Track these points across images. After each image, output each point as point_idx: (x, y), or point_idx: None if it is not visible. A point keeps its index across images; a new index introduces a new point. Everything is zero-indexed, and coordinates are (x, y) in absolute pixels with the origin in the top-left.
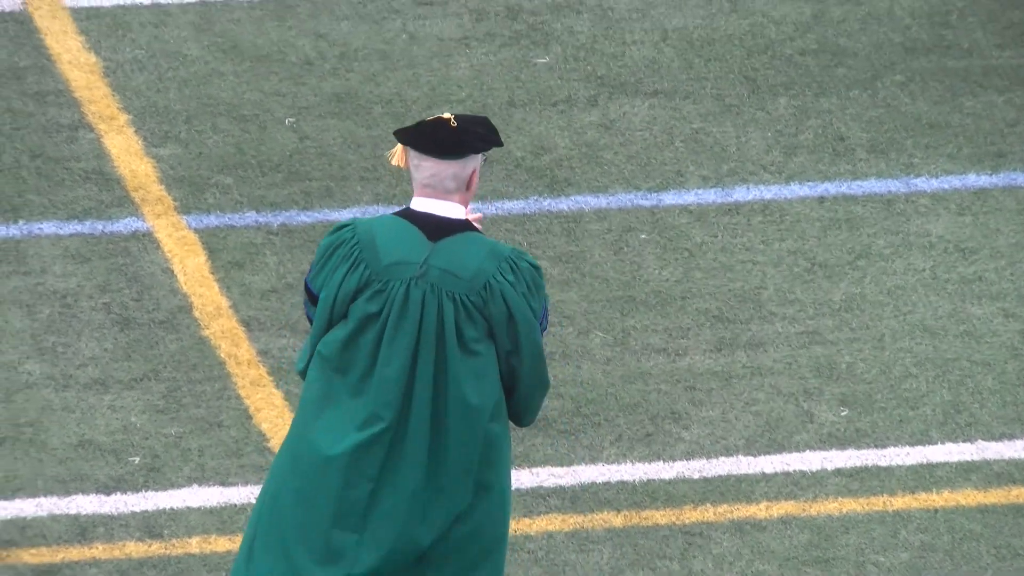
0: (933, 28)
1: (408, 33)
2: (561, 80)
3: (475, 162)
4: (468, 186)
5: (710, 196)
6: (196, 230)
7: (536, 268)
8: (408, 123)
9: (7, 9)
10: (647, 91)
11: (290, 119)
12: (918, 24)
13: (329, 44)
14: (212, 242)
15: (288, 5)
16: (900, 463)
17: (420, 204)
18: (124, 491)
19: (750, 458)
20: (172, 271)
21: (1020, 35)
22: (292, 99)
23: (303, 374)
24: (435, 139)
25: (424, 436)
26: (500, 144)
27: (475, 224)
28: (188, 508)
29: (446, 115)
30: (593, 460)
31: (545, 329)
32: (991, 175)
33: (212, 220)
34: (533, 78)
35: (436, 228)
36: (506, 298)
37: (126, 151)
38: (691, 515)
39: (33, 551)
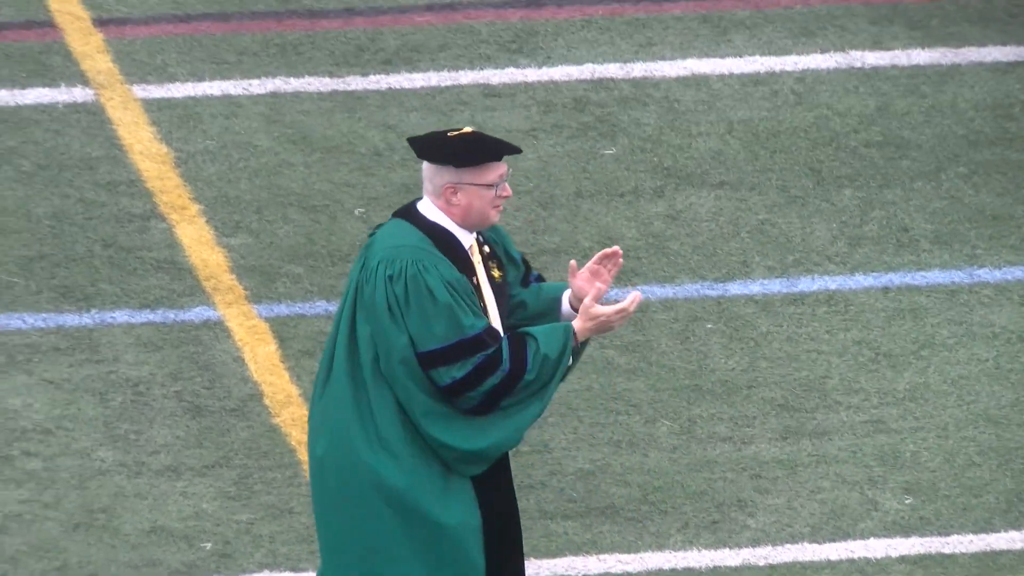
0: (996, 120)
1: (476, 125)
2: (628, 171)
3: (450, 176)
4: (444, 196)
5: (775, 286)
6: (267, 319)
7: (410, 281)
8: None
9: (79, 100)
10: (713, 182)
11: (359, 210)
12: (981, 117)
13: (398, 135)
14: (282, 331)
15: (358, 97)
16: (964, 551)
17: None
18: None
19: (815, 545)
20: (243, 359)
21: None
22: (361, 190)
23: None
24: (420, 139)
25: (344, 384)
26: (453, 164)
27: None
28: None
29: (468, 128)
30: (660, 547)
31: (447, 367)
32: None
33: (283, 309)
34: (600, 169)
35: (402, 211)
36: (372, 281)
37: (197, 241)
38: None
39: None
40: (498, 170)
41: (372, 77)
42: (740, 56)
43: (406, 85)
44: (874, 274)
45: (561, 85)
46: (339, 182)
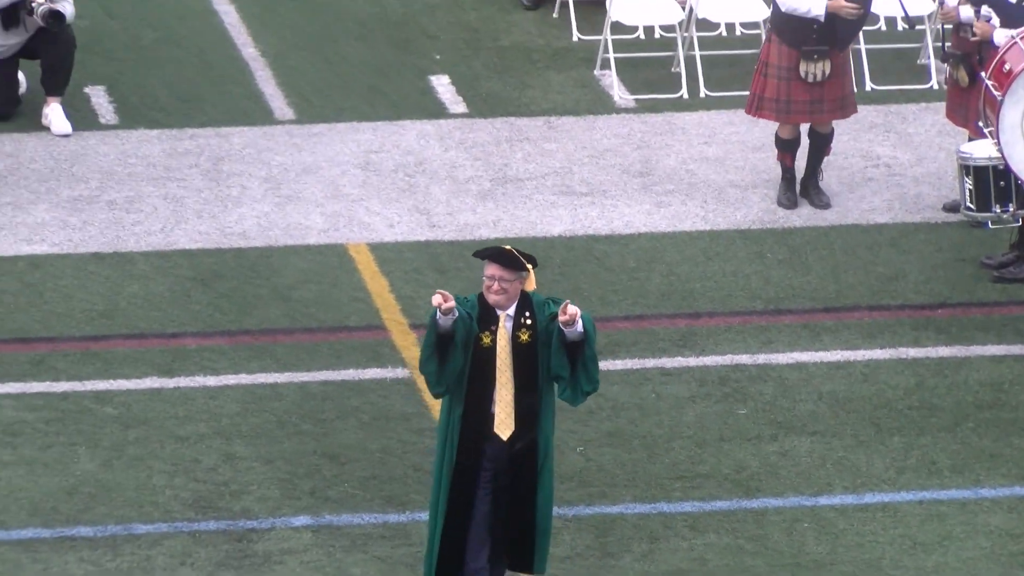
0: (994, 393)
1: (656, 393)
2: (753, 423)
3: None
4: None
5: (849, 499)
6: None
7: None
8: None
9: (400, 376)
10: (809, 432)
11: (580, 448)
12: (984, 390)
13: (605, 399)
14: None
15: None
16: None
17: None
18: None
19: None
20: None
21: None
22: (580, 435)
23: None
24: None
25: None
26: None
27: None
28: None
29: (507, 246)
30: None
31: None
32: None
33: None
34: (736, 423)
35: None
36: None
37: None
38: None
39: None
40: (489, 270)
41: None
42: (828, 350)
43: (611, 368)
44: (913, 491)
45: (711, 368)
46: (565, 429)
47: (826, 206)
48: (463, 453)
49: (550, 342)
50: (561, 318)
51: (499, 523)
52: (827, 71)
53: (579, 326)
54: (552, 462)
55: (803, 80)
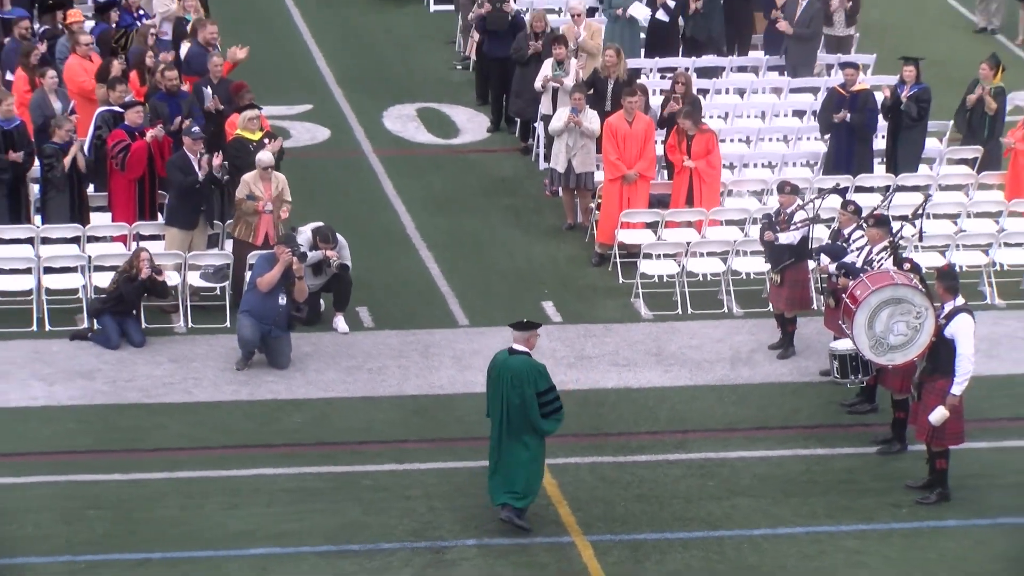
0: (848, 473)
1: (664, 474)
2: (717, 490)
3: (528, 335)
4: (526, 342)
5: (769, 532)
6: None
7: (537, 371)
8: None
9: None
10: (748, 495)
11: (622, 503)
12: (842, 472)
13: (636, 477)
14: None
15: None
16: None
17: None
18: None
19: None
20: None
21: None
22: (622, 496)
23: None
24: (516, 324)
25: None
26: (531, 329)
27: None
28: None
29: (526, 318)
30: None
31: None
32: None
33: None
34: (708, 489)
35: (515, 352)
36: (526, 374)
37: None
38: None
39: None
40: (537, 331)
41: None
42: (759, 451)
43: (637, 460)
44: (804, 527)
45: (694, 460)
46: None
47: (782, 357)
48: None
49: None
50: None
51: None
52: (778, 281)
53: None
54: None
55: (772, 281)
